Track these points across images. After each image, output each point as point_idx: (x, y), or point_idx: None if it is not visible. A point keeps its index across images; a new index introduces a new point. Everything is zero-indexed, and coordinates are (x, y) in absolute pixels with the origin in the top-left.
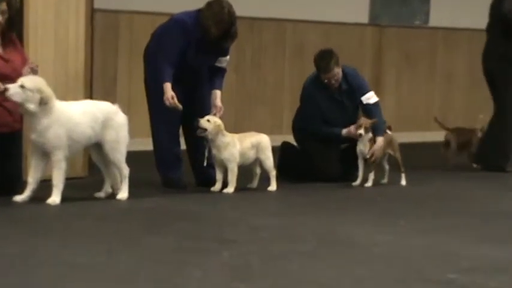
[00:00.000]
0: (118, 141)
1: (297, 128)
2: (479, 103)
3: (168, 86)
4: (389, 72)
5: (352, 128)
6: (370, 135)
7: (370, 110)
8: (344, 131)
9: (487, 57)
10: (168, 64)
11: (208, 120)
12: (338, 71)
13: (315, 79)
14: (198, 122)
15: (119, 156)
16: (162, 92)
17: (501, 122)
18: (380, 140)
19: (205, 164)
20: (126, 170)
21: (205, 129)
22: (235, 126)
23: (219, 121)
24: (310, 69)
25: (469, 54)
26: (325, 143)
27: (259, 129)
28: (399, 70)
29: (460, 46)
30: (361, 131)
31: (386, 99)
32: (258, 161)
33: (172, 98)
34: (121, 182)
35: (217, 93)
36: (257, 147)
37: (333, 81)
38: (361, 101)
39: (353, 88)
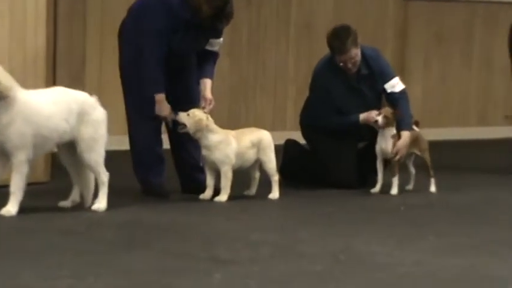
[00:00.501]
0: (96, 140)
1: (305, 123)
2: None
3: (160, 97)
4: (415, 54)
5: (372, 112)
6: (394, 130)
7: (395, 100)
8: (362, 116)
9: None
10: (156, 64)
11: (188, 115)
12: (356, 52)
13: (328, 63)
14: (177, 115)
15: (96, 157)
16: (141, 78)
17: None
18: (406, 135)
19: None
20: (104, 175)
21: (185, 125)
22: (229, 122)
23: (200, 115)
24: (320, 52)
25: None
26: (339, 141)
27: (258, 125)
28: (428, 52)
29: (502, 24)
30: (379, 117)
31: (412, 88)
32: (257, 163)
33: (166, 117)
34: (98, 189)
35: (208, 83)
36: (258, 146)
37: (350, 65)
38: (384, 89)
39: (374, 73)
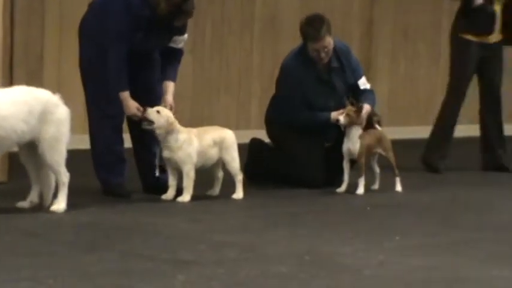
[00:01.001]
0: (58, 140)
1: (272, 121)
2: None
3: (125, 95)
4: (382, 52)
5: (342, 111)
6: (360, 130)
7: (367, 96)
8: (334, 114)
9: None
10: (119, 62)
11: (158, 112)
12: (330, 41)
13: (298, 55)
14: (145, 111)
15: (58, 157)
16: (102, 76)
17: None
18: (368, 106)
19: (156, 173)
20: (65, 176)
21: (152, 122)
22: (192, 120)
23: (172, 117)
24: (286, 48)
25: None
26: (306, 139)
27: (222, 124)
28: (395, 49)
29: None
30: (340, 117)
31: (378, 86)
32: (220, 162)
33: (135, 114)
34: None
35: (170, 86)
36: (220, 145)
37: (323, 54)
38: (357, 86)
39: (344, 68)
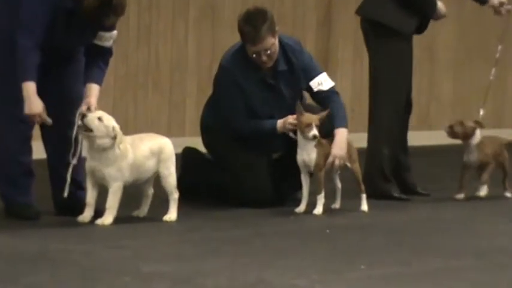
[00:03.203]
0: None
1: (208, 127)
2: (472, 87)
3: (30, 89)
4: (343, 44)
5: (289, 118)
6: (317, 134)
7: (324, 99)
8: (280, 123)
9: None
10: (28, 51)
11: (99, 119)
12: (273, 43)
13: (238, 54)
14: (82, 116)
15: None
16: (8, 74)
17: None
18: (343, 133)
19: (65, 193)
20: None
21: (91, 130)
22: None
23: (117, 126)
24: (227, 39)
25: (458, 21)
26: (250, 148)
27: (150, 130)
28: (358, 42)
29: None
30: (314, 132)
31: (340, 84)
32: (153, 178)
33: (40, 115)
34: None
35: (94, 89)
36: (158, 156)
37: (265, 58)
38: (310, 87)
39: (295, 70)
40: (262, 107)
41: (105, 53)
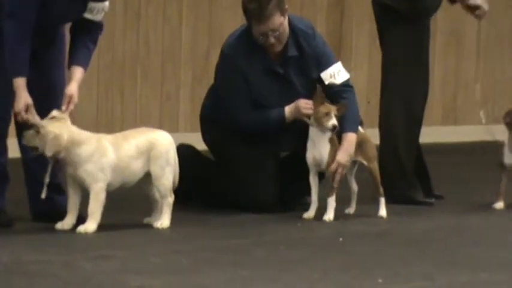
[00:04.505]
0: None
1: (208, 121)
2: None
3: (20, 86)
4: (357, 29)
5: (302, 102)
6: (336, 124)
7: (335, 94)
8: (289, 109)
9: None
10: (22, 41)
11: (38, 132)
12: (281, 22)
13: (241, 39)
14: (22, 138)
15: None
16: None
17: None
18: (351, 139)
19: (43, 195)
20: None
21: (36, 148)
22: (99, 121)
23: (56, 130)
24: (226, 26)
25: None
26: (255, 145)
27: (140, 125)
28: (373, 23)
29: None
30: (334, 121)
31: (354, 75)
32: (150, 179)
33: (27, 109)
34: None
35: (77, 73)
36: (148, 153)
37: (273, 40)
38: (321, 79)
39: (307, 57)
40: (269, 98)
41: (95, 29)
